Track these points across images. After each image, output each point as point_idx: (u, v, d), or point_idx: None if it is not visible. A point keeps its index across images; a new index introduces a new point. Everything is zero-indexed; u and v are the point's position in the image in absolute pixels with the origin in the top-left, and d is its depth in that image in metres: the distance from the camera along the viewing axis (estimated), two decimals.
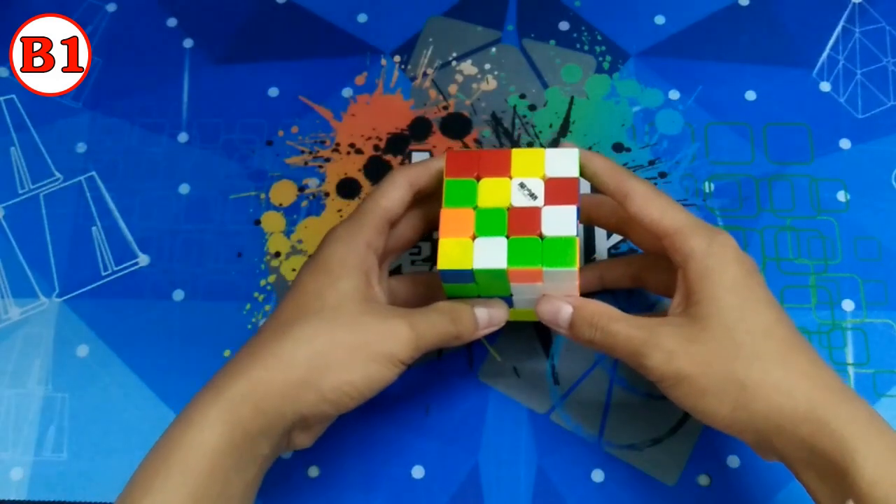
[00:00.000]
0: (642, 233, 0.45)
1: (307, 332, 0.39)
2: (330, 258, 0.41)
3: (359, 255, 0.41)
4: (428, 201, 0.45)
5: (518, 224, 0.41)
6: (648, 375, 0.40)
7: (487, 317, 0.43)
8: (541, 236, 0.41)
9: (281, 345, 0.39)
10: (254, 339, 0.41)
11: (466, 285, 0.42)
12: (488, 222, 0.41)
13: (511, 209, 0.42)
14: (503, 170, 0.42)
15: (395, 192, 0.43)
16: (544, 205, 0.41)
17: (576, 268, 0.40)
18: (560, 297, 0.42)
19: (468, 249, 0.41)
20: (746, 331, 0.39)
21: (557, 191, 0.42)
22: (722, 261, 0.40)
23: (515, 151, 0.43)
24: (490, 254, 0.41)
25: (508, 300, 0.43)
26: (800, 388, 0.37)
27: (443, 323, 0.41)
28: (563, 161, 0.42)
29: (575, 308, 0.42)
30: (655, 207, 0.41)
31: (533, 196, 0.42)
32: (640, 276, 0.48)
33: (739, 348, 0.38)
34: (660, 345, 0.39)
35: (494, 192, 0.42)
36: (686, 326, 0.40)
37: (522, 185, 0.42)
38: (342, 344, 0.39)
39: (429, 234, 0.48)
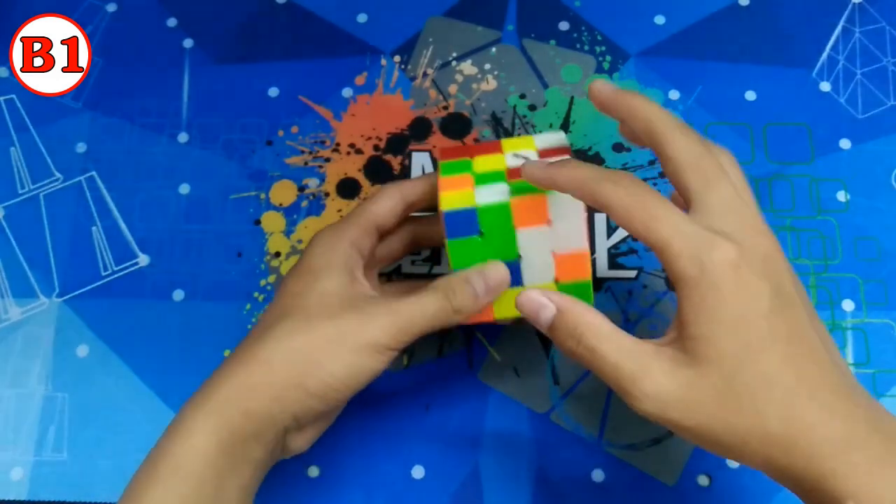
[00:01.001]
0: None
1: (287, 329, 0.39)
2: (312, 260, 0.42)
3: (341, 253, 0.42)
4: (418, 220, 0.46)
5: (516, 177, 0.40)
6: (640, 414, 0.36)
7: (483, 282, 0.40)
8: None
9: (262, 346, 0.39)
10: (240, 344, 0.41)
11: (471, 245, 0.40)
12: (487, 179, 0.41)
13: (508, 169, 0.41)
14: (495, 152, 0.43)
15: (386, 200, 0.44)
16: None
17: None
18: (545, 293, 0.38)
19: (470, 194, 0.40)
20: (746, 382, 0.34)
21: (551, 155, 0.41)
22: (717, 289, 0.34)
23: (505, 140, 0.43)
24: (492, 193, 0.40)
25: (517, 272, 0.41)
26: (799, 444, 0.34)
27: (434, 301, 0.40)
28: (553, 139, 0.43)
29: (559, 310, 0.38)
30: (638, 219, 0.35)
31: (527, 159, 0.41)
32: None
33: (740, 404, 0.34)
34: (652, 389, 0.35)
35: (489, 163, 0.42)
36: (682, 367, 0.35)
37: (516, 155, 0.42)
38: (322, 338, 0.39)
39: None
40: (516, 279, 0.41)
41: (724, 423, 0.34)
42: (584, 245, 0.40)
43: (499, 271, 0.40)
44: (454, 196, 0.40)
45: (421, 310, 0.40)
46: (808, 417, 0.34)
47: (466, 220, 0.40)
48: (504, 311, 0.41)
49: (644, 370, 0.35)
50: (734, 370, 0.34)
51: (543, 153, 0.42)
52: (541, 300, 0.38)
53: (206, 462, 0.37)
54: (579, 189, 0.37)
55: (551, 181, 0.38)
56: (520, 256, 0.40)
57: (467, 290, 0.40)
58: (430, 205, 0.44)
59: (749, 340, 0.34)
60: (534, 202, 0.39)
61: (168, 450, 0.37)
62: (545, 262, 0.40)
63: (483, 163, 0.42)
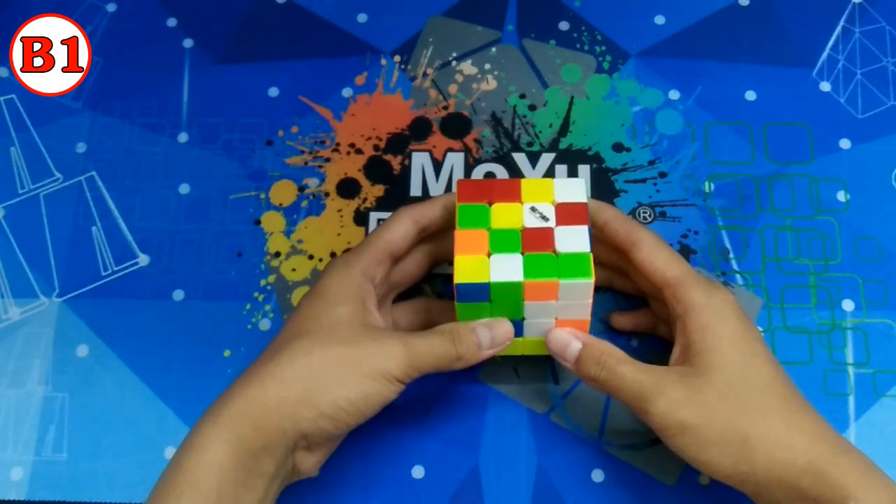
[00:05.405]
0: (636, 280, 0.47)
1: (303, 348, 0.40)
2: (326, 286, 0.43)
3: (354, 282, 0.43)
4: (433, 239, 0.47)
5: (532, 243, 0.42)
6: (651, 422, 0.41)
7: (489, 336, 0.42)
8: (555, 253, 0.42)
9: (277, 363, 0.40)
10: (253, 363, 0.41)
11: (479, 308, 0.42)
12: (502, 242, 0.42)
13: (524, 230, 0.42)
14: (513, 197, 0.44)
15: (398, 226, 0.45)
16: (556, 226, 0.43)
17: (592, 279, 0.41)
18: (571, 331, 0.43)
19: (484, 265, 0.41)
20: (749, 385, 0.40)
21: (568, 214, 0.43)
22: (722, 315, 0.42)
23: (525, 181, 0.44)
24: (506, 268, 0.41)
25: (519, 327, 0.44)
26: (800, 442, 0.39)
27: (441, 343, 0.42)
28: (572, 189, 0.44)
29: (584, 345, 0.43)
30: (661, 257, 0.43)
31: (544, 218, 0.43)
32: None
33: (743, 402, 0.40)
34: (665, 393, 0.40)
35: (506, 216, 0.43)
36: (691, 377, 0.41)
37: (534, 209, 0.43)
38: (337, 360, 0.40)
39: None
40: (517, 332, 0.44)
41: (728, 420, 0.39)
42: (588, 317, 0.43)
43: (505, 328, 0.43)
44: (469, 266, 0.41)
45: (429, 349, 0.41)
46: (804, 422, 0.40)
47: (478, 291, 0.41)
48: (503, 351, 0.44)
49: (660, 380, 0.41)
50: (737, 376, 0.40)
51: (561, 206, 0.43)
52: (567, 337, 0.43)
53: (221, 476, 0.37)
54: (623, 224, 0.45)
55: (599, 213, 0.45)
56: (524, 318, 0.43)
57: (472, 340, 0.42)
58: (444, 227, 0.46)
59: (748, 353, 0.41)
60: (546, 285, 0.41)
61: (184, 464, 0.37)
62: (548, 322, 0.43)
63: (501, 215, 0.43)
